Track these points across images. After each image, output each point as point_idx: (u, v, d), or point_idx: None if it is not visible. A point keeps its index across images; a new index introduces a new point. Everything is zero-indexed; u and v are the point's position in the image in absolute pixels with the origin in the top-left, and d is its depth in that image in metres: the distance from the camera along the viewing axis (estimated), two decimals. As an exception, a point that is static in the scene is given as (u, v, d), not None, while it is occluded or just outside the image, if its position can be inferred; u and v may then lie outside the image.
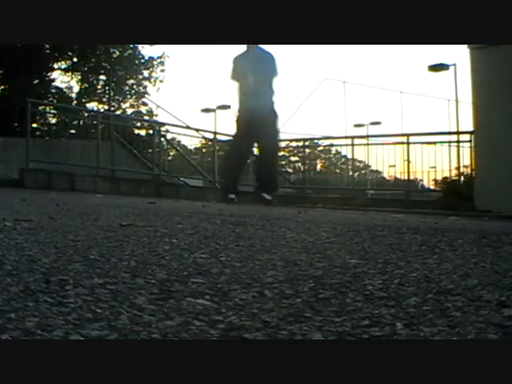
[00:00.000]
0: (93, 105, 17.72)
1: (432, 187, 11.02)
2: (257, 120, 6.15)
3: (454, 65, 16.50)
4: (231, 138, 6.82)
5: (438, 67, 16.66)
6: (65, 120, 11.59)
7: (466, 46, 7.44)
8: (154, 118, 16.53)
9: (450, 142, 10.08)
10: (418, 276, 1.51)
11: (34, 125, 13.43)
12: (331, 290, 1.33)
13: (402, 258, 1.85)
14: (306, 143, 12.56)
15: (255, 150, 7.11)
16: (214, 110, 21.08)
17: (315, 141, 14.16)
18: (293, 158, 24.49)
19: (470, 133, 8.46)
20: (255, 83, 6.21)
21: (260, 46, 6.31)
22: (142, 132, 14.53)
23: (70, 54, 16.75)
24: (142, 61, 18.14)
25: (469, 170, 8.70)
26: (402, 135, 10.68)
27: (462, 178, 8.72)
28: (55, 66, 16.97)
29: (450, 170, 9.78)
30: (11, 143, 10.68)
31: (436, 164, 10.35)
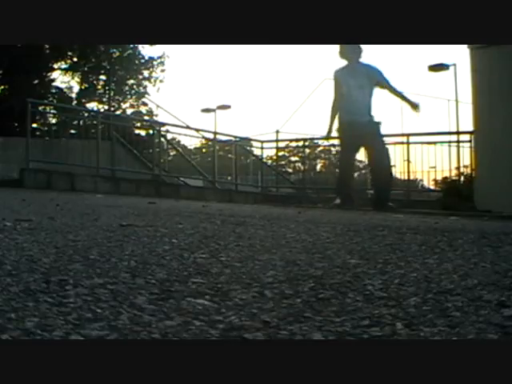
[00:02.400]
0: (93, 105, 17.74)
1: (432, 187, 11.01)
2: (357, 132, 6.22)
3: (454, 65, 16.51)
4: (340, 151, 6.97)
5: (437, 67, 16.66)
6: (65, 120, 11.59)
7: (466, 45, 7.44)
8: (154, 118, 16.54)
9: (449, 142, 10.07)
10: (417, 276, 1.51)
11: (34, 125, 13.45)
12: (331, 290, 1.33)
13: (402, 258, 1.85)
14: (306, 143, 12.55)
15: (366, 161, 7.14)
16: (214, 110, 21.10)
17: (315, 141, 14.14)
18: (293, 158, 24.50)
19: (470, 133, 8.46)
20: (354, 97, 6.26)
21: (362, 61, 6.39)
22: (142, 132, 14.54)
23: (70, 53, 16.76)
24: (142, 61, 18.16)
25: (469, 170, 8.69)
26: (402, 135, 10.66)
27: (462, 178, 8.71)
28: (55, 66, 16.98)
29: (450, 170, 9.77)
30: (11, 143, 10.69)
31: (436, 164, 10.34)
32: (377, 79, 6.41)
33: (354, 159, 6.87)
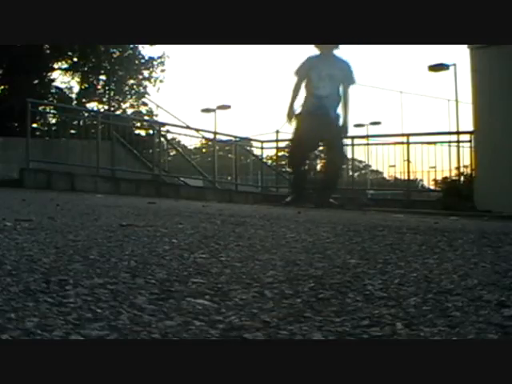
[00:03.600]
0: (93, 105, 17.75)
1: (432, 187, 11.02)
2: (322, 125, 6.01)
3: (454, 65, 16.54)
4: (292, 136, 6.65)
5: (437, 67, 16.70)
6: (65, 120, 11.59)
7: (466, 46, 7.44)
8: (154, 118, 16.55)
9: (449, 142, 10.08)
10: (417, 276, 1.51)
11: (34, 125, 13.44)
12: (331, 290, 1.33)
13: (402, 258, 1.85)
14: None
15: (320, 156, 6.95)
16: (214, 110, 21.13)
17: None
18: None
19: (470, 133, 8.47)
20: (329, 90, 6.12)
21: (335, 52, 6.27)
22: (142, 132, 14.54)
23: (70, 53, 16.77)
24: (142, 61, 18.16)
25: (469, 170, 8.69)
26: (402, 135, 10.68)
27: (462, 178, 8.71)
28: (55, 65, 16.99)
29: (450, 170, 9.78)
30: (11, 143, 10.70)
31: (436, 164, 10.35)
32: (346, 75, 6.28)
33: (309, 155, 6.63)
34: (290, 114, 6.27)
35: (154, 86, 18.52)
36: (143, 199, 6.26)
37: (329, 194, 6.45)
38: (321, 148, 6.75)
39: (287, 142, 6.87)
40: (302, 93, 6.32)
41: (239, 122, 55.31)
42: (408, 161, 9.98)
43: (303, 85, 6.29)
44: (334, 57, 6.28)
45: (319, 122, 6.01)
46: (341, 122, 6.33)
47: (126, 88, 18.42)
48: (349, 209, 6.13)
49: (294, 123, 6.34)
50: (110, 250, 1.78)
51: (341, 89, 6.29)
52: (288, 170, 7.37)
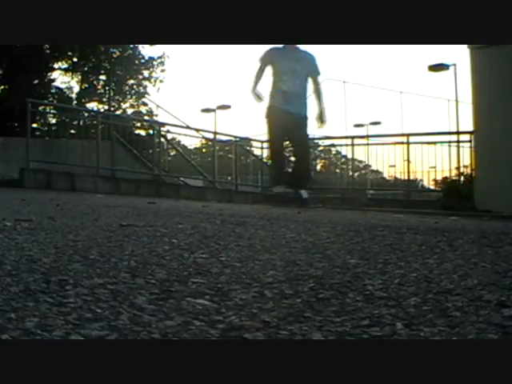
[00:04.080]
0: (93, 105, 17.75)
1: (432, 187, 11.01)
2: (288, 120, 6.05)
3: (454, 65, 16.53)
4: (268, 137, 6.76)
5: (438, 67, 16.69)
6: (65, 120, 11.59)
7: (466, 46, 7.44)
8: (154, 118, 16.55)
9: (449, 142, 10.08)
10: (417, 276, 1.51)
11: (34, 125, 13.44)
12: (331, 290, 1.33)
13: (402, 258, 1.85)
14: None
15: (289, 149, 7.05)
16: (214, 110, 21.10)
17: (315, 141, 14.14)
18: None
19: (470, 133, 8.46)
20: (293, 83, 6.09)
21: (299, 46, 6.20)
22: (142, 132, 14.54)
23: (70, 53, 16.77)
24: (142, 61, 18.16)
25: (469, 170, 8.68)
26: (402, 135, 10.68)
27: (462, 178, 8.71)
28: (55, 66, 16.99)
29: (450, 170, 9.78)
30: (11, 143, 10.70)
31: (436, 164, 10.35)
32: (310, 67, 6.28)
33: (284, 146, 6.64)
34: (255, 96, 6.35)
35: (153, 86, 18.54)
36: (143, 199, 6.25)
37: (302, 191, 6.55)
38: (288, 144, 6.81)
39: (267, 137, 7.04)
40: (268, 85, 6.34)
41: (239, 122, 55.22)
42: (408, 161, 9.98)
43: (270, 77, 6.31)
44: (298, 49, 6.24)
45: (286, 118, 6.08)
46: (316, 112, 6.37)
47: (126, 88, 18.42)
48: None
49: (266, 119, 6.39)
50: (110, 250, 1.78)
51: (309, 82, 6.30)
52: (269, 162, 7.56)
